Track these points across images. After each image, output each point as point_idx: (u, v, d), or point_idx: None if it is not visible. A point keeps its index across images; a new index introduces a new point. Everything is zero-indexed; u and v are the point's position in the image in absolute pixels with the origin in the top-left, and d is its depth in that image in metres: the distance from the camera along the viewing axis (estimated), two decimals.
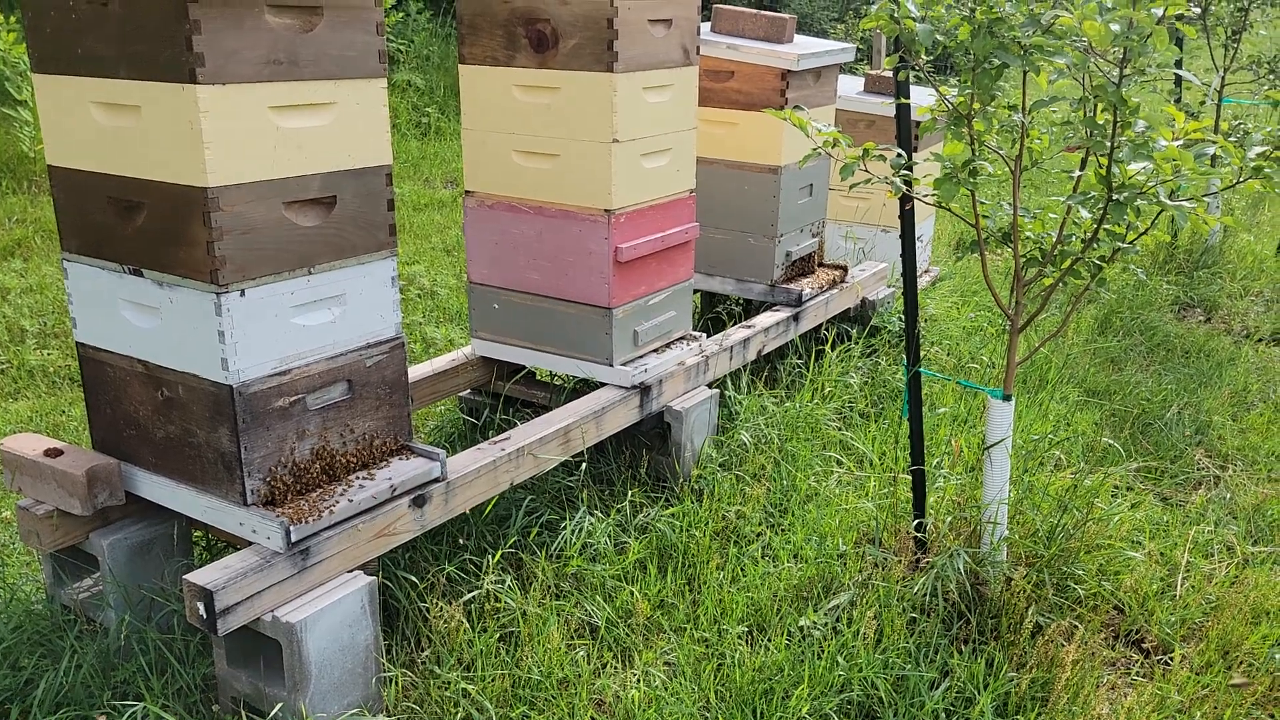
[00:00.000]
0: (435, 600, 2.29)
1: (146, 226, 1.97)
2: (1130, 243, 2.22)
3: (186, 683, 2.08)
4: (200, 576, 1.88)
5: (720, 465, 3.03)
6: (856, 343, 3.76)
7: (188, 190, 1.87)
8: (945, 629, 2.37)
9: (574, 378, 3.10)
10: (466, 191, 2.98)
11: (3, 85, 5.68)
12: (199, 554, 2.41)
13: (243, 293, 1.94)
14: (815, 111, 3.67)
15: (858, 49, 3.90)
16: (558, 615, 2.35)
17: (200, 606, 1.87)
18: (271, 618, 1.94)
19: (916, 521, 2.57)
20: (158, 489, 2.16)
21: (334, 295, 2.12)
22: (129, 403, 2.15)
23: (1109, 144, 2.05)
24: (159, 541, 2.23)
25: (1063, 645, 2.27)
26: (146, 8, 1.81)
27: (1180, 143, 2.03)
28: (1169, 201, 2.02)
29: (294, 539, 1.98)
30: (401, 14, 8.71)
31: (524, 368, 3.21)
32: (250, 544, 2.02)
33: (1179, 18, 1.96)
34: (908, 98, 2.38)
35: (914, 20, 2.15)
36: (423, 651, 2.25)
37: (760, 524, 2.80)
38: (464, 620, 2.25)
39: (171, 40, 1.80)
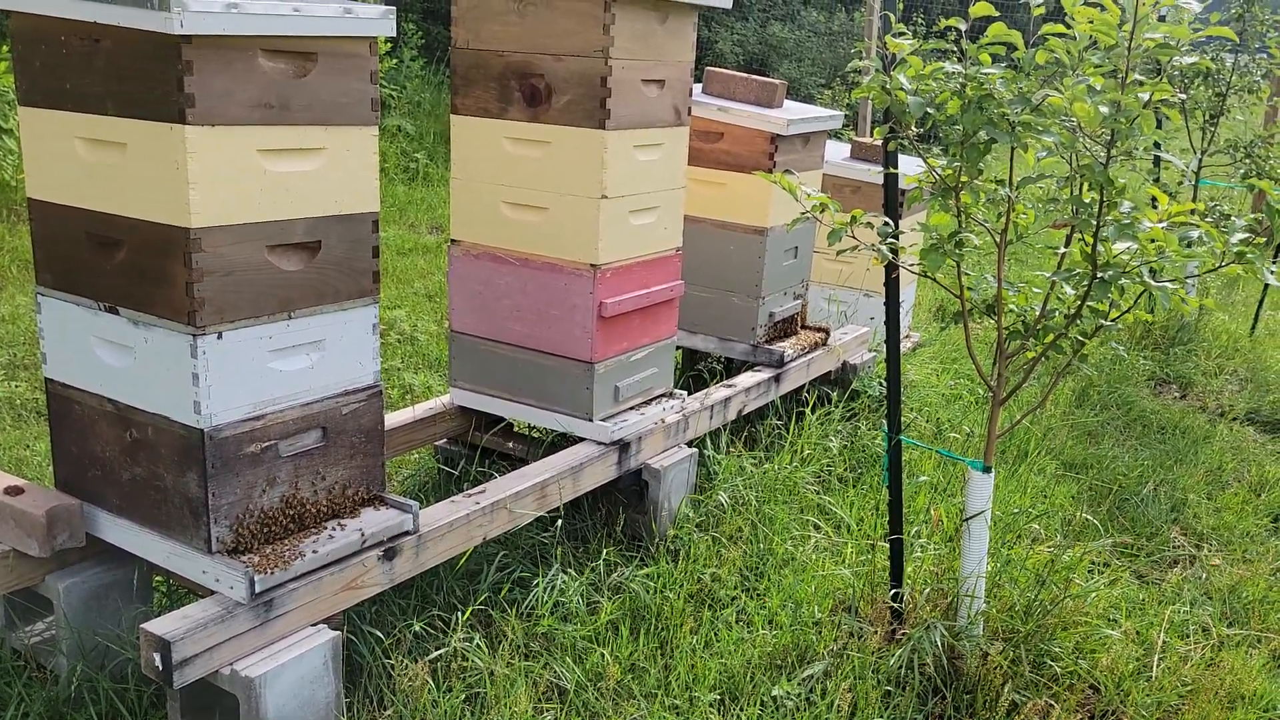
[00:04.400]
0: (400, 657, 2.23)
1: (125, 264, 1.94)
2: (1113, 320, 2.23)
3: None
4: (158, 626, 1.82)
5: (697, 526, 3.00)
6: (836, 406, 3.76)
7: (170, 230, 1.85)
8: (920, 704, 2.33)
9: (552, 431, 3.07)
10: (452, 240, 2.97)
11: None
12: (159, 601, 2.34)
13: (220, 335, 1.91)
14: (803, 176, 3.70)
15: (845, 116, 3.95)
16: (526, 676, 2.29)
17: (156, 657, 1.80)
18: (230, 671, 1.88)
19: (893, 591, 2.54)
20: (120, 532, 2.10)
21: (313, 341, 2.09)
22: (95, 443, 2.09)
23: (1095, 223, 2.06)
24: (118, 587, 2.16)
25: None
26: (139, 47, 1.80)
27: (1164, 224, 2.05)
28: (1152, 281, 2.03)
29: (258, 589, 1.92)
30: (395, 60, 8.78)
31: (502, 419, 3.17)
32: (212, 593, 1.96)
33: (1163, 102, 1.99)
34: (896, 167, 2.40)
35: (905, 92, 2.18)
36: (385, 711, 2.18)
37: (736, 588, 2.76)
38: (429, 679, 2.18)
39: (162, 80, 1.78)
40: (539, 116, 2.74)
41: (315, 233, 2.04)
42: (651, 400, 3.09)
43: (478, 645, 2.30)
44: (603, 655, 2.38)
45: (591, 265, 2.76)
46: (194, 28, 1.73)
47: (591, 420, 2.87)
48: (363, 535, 2.14)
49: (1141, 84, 1.95)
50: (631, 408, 3.01)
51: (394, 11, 2.05)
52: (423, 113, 8.55)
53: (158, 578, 2.33)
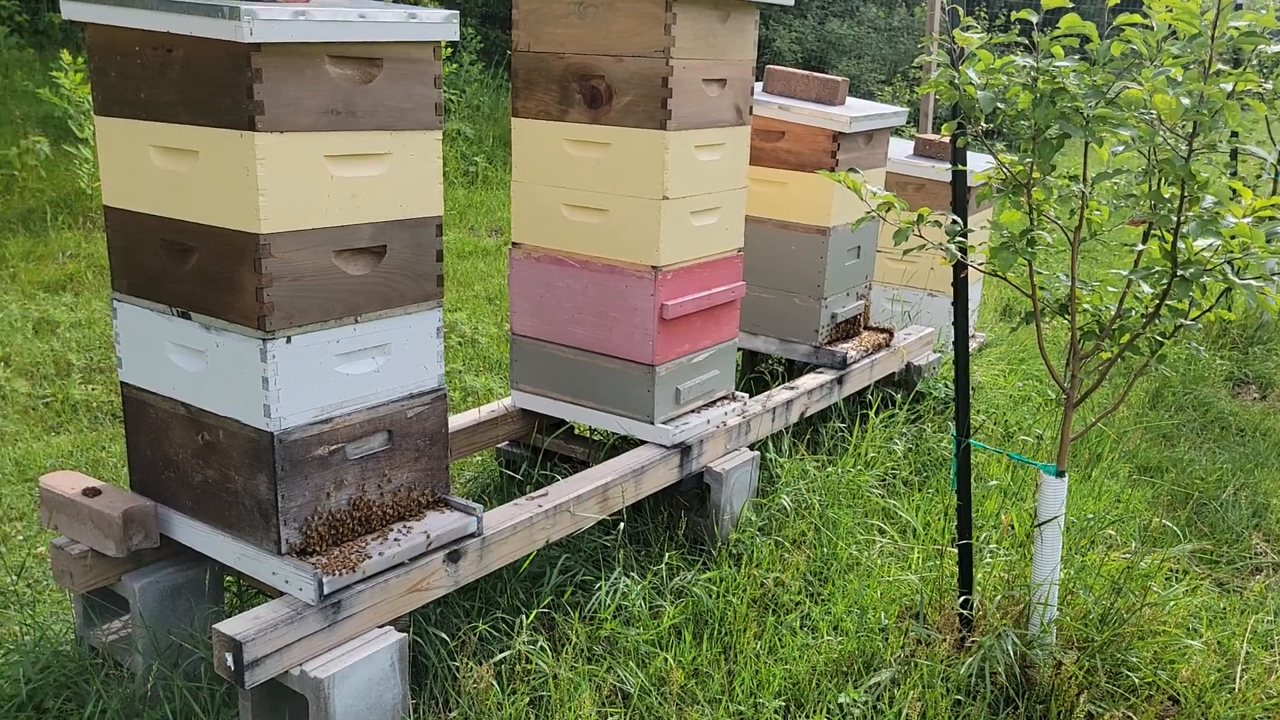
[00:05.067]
0: (465, 659, 2.24)
1: (197, 270, 1.97)
2: (1194, 320, 2.15)
3: None
4: (230, 626, 1.85)
5: (759, 530, 2.96)
6: (901, 408, 3.69)
7: (240, 236, 1.88)
8: (992, 714, 2.27)
9: (614, 434, 3.06)
10: (513, 243, 2.98)
11: (66, 123, 5.83)
12: (230, 600, 2.38)
13: (289, 340, 1.93)
14: (866, 174, 3.64)
15: (906, 113, 3.89)
16: (590, 680, 2.28)
17: (228, 657, 1.83)
18: (300, 672, 1.90)
19: (963, 598, 2.48)
20: (192, 533, 2.14)
21: (379, 345, 2.11)
22: (169, 445, 2.14)
23: (1175, 219, 1.99)
24: (190, 586, 2.20)
25: None
26: (210, 56, 1.83)
27: (1249, 219, 1.97)
28: (1238, 280, 1.96)
29: (326, 591, 1.94)
30: (455, 65, 8.87)
31: (564, 422, 3.17)
32: (281, 594, 1.99)
33: (1245, 92, 1.92)
34: (965, 164, 2.35)
35: (974, 87, 2.13)
36: (450, 712, 2.19)
37: (799, 593, 2.72)
38: (494, 682, 2.19)
39: (233, 88, 1.81)
40: (600, 118, 2.73)
41: (381, 237, 2.06)
42: (713, 403, 3.07)
43: (541, 648, 2.30)
44: (666, 659, 2.36)
45: (653, 267, 2.75)
46: (263, 35, 1.75)
47: (653, 423, 2.85)
48: (428, 538, 2.15)
49: (1221, 74, 1.88)
50: (693, 410, 2.99)
51: (457, 16, 2.05)
52: (481, 116, 8.62)
53: (229, 578, 2.37)
